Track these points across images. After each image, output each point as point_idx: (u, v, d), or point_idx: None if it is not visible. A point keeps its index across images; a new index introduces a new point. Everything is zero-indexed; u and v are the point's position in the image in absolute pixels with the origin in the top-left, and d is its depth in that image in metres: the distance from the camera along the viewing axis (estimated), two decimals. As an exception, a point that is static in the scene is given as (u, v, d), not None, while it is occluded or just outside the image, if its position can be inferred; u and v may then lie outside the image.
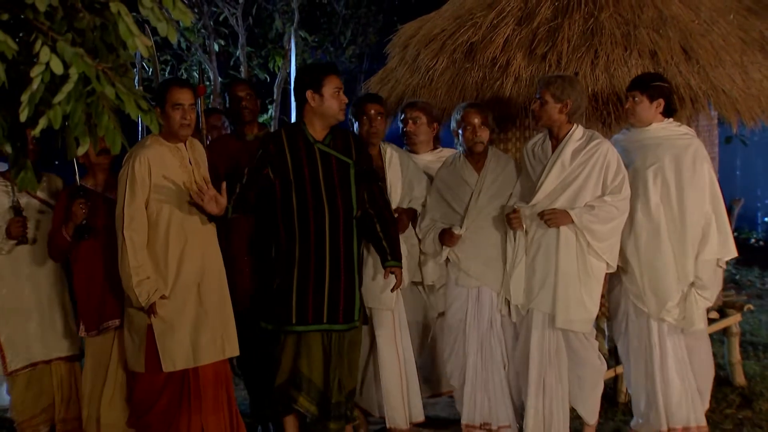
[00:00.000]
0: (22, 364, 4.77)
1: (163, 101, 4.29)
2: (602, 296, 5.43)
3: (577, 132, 4.68)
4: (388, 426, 4.98)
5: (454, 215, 4.86)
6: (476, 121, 4.81)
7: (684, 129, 4.81)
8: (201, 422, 4.38)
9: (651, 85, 4.73)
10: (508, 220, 4.67)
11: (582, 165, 4.62)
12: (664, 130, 4.75)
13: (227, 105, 5.20)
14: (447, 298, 4.98)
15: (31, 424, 4.86)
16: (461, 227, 4.79)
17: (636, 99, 4.73)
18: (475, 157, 4.88)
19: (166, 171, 4.30)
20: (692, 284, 4.66)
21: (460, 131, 4.87)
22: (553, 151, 4.71)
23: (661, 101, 4.72)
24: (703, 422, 4.81)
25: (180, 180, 4.33)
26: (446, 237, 4.80)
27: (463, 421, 4.92)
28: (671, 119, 4.80)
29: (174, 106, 4.28)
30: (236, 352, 4.52)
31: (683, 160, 4.66)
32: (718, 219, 4.68)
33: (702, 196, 4.66)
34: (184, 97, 4.30)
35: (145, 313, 4.24)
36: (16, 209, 4.70)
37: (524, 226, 4.64)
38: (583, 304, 4.62)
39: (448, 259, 4.89)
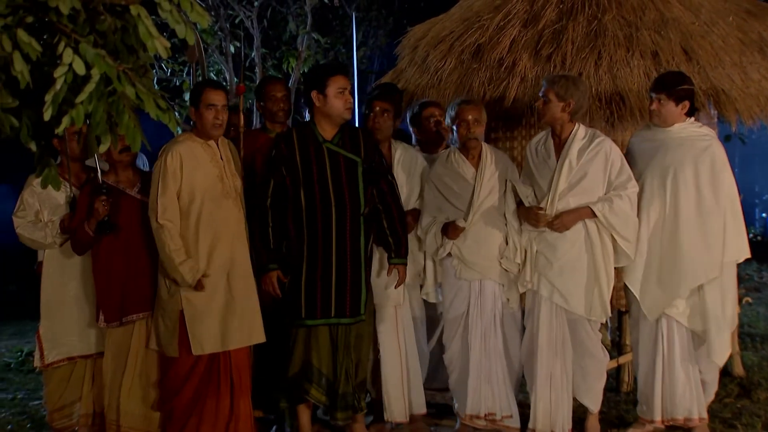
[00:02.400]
0: (59, 357, 4.85)
1: (198, 102, 4.51)
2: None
3: (580, 131, 4.76)
4: (386, 418, 5.08)
5: (454, 211, 4.90)
6: (470, 117, 4.88)
7: (705, 130, 4.81)
8: (228, 405, 4.54)
9: (678, 88, 4.72)
10: (530, 217, 4.73)
11: (587, 163, 4.70)
12: (685, 130, 4.76)
13: (262, 102, 5.22)
14: (447, 292, 5.01)
15: (63, 414, 4.95)
16: (465, 220, 4.84)
17: (662, 101, 4.73)
18: (470, 152, 4.94)
19: (197, 165, 4.49)
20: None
21: (454, 127, 4.94)
22: (556, 150, 4.79)
23: (687, 103, 4.74)
24: (705, 414, 4.88)
25: (211, 174, 4.53)
26: (450, 230, 4.84)
27: (468, 412, 4.96)
28: (692, 118, 4.81)
29: (208, 107, 4.49)
30: (262, 339, 4.66)
31: (702, 161, 4.68)
32: (733, 220, 4.71)
33: (718, 198, 4.67)
34: (218, 98, 4.51)
35: (194, 289, 4.42)
36: (72, 204, 4.79)
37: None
38: (601, 294, 4.72)
39: (449, 254, 4.92)
